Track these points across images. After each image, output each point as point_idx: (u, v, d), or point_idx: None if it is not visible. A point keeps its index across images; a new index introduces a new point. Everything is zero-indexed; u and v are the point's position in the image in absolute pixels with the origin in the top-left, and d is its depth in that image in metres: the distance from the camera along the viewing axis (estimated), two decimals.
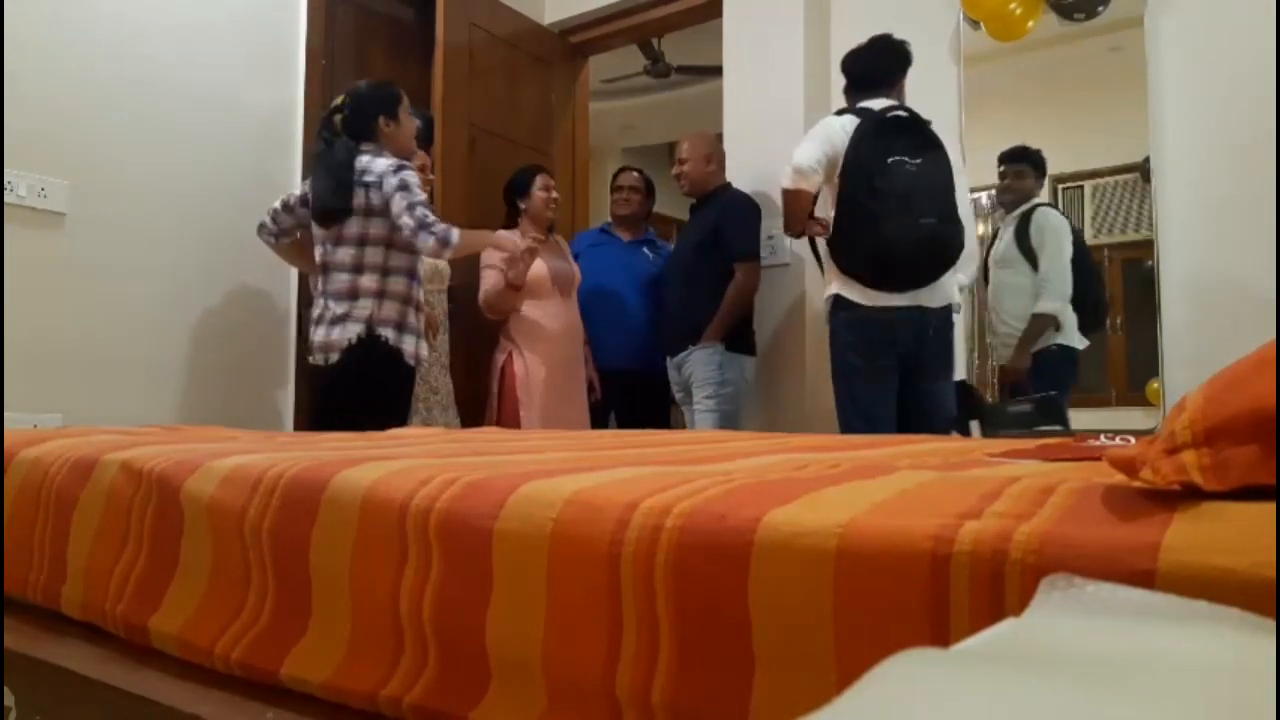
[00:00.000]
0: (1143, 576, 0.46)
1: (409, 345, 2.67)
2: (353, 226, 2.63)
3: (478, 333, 3.33)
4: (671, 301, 3.25)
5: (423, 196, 2.62)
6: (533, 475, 0.77)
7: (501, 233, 3.11)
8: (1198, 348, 2.63)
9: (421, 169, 3.09)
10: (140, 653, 0.94)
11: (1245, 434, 0.52)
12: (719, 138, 3.36)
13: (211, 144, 3.15)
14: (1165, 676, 0.30)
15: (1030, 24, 2.98)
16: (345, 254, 2.64)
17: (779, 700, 0.57)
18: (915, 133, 2.50)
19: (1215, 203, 2.66)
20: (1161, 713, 0.27)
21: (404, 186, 2.58)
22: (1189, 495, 0.53)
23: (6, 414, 2.45)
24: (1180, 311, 2.70)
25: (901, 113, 2.53)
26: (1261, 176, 2.50)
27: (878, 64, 2.67)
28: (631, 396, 3.52)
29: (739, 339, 3.08)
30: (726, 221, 3.10)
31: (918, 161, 2.44)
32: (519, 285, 3.13)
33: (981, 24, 3.02)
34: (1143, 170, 2.83)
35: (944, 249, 2.46)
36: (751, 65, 3.35)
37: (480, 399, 3.33)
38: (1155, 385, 2.75)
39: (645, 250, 3.65)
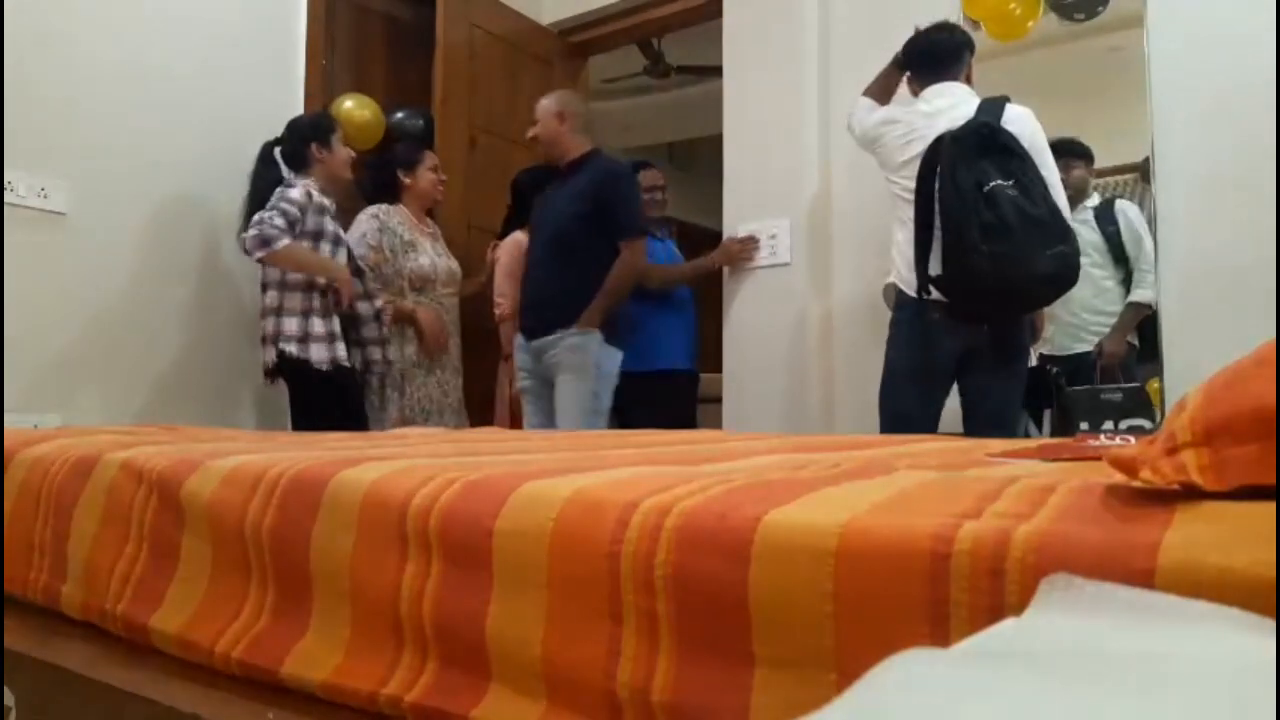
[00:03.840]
0: (1143, 576, 0.46)
1: (317, 353, 2.71)
2: None
3: (484, 337, 3.34)
4: (543, 279, 2.84)
5: (285, 206, 2.67)
6: (533, 475, 0.77)
7: (334, 266, 2.80)
8: (1198, 348, 2.63)
9: (434, 168, 3.20)
10: (140, 653, 0.94)
11: (1245, 433, 0.52)
12: (577, 98, 3.07)
13: (212, 144, 3.15)
14: (1165, 676, 0.30)
15: (1030, 24, 2.97)
16: (261, 276, 2.80)
17: (779, 700, 0.57)
18: (994, 149, 2.29)
19: (1215, 202, 2.66)
20: (1161, 713, 0.27)
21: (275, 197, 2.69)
22: (1189, 495, 0.53)
23: (6, 414, 2.45)
24: (1180, 311, 2.70)
25: (975, 125, 2.35)
26: (1261, 176, 2.50)
27: (940, 44, 2.55)
28: (689, 399, 3.46)
29: (612, 328, 2.76)
30: (610, 195, 2.81)
31: (1010, 183, 2.24)
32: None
33: (981, 24, 3.02)
34: (1143, 170, 2.82)
35: (1072, 271, 2.27)
36: (751, 65, 3.35)
37: (488, 402, 3.35)
38: (1155, 385, 2.75)
39: (674, 246, 3.63)
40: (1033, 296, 2.35)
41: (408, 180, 3.15)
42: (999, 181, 2.24)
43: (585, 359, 2.70)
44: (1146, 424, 2.60)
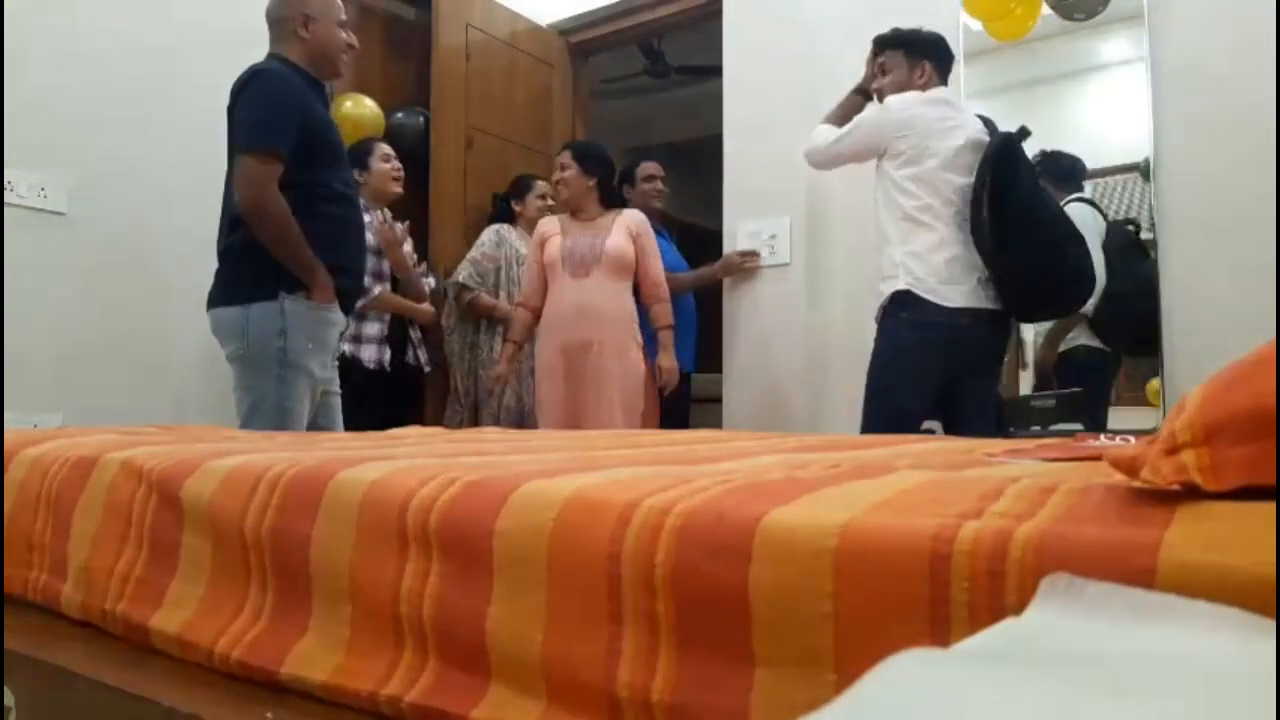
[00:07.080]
0: (1143, 576, 0.46)
1: (367, 353, 2.92)
2: None
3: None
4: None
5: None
6: (533, 475, 0.77)
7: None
8: (1198, 348, 2.63)
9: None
10: (140, 653, 0.94)
11: (1245, 433, 0.52)
12: None
13: (211, 144, 3.14)
14: (1165, 676, 0.30)
15: (1030, 24, 2.98)
16: None
17: (779, 700, 0.57)
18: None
19: (1215, 202, 2.66)
20: (1161, 713, 0.27)
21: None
22: (1189, 495, 0.53)
23: (6, 414, 2.45)
24: (1180, 311, 2.70)
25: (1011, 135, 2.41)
26: (1261, 176, 2.50)
27: (946, 44, 2.60)
28: (685, 399, 3.49)
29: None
30: (240, 98, 2.26)
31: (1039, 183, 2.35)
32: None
33: (982, 23, 3.02)
34: (1143, 170, 2.82)
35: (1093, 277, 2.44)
36: (751, 65, 3.35)
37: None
38: (1155, 385, 2.75)
39: (675, 247, 3.63)
40: (1084, 298, 2.48)
41: (518, 207, 3.53)
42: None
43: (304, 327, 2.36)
44: (1079, 428, 2.63)
